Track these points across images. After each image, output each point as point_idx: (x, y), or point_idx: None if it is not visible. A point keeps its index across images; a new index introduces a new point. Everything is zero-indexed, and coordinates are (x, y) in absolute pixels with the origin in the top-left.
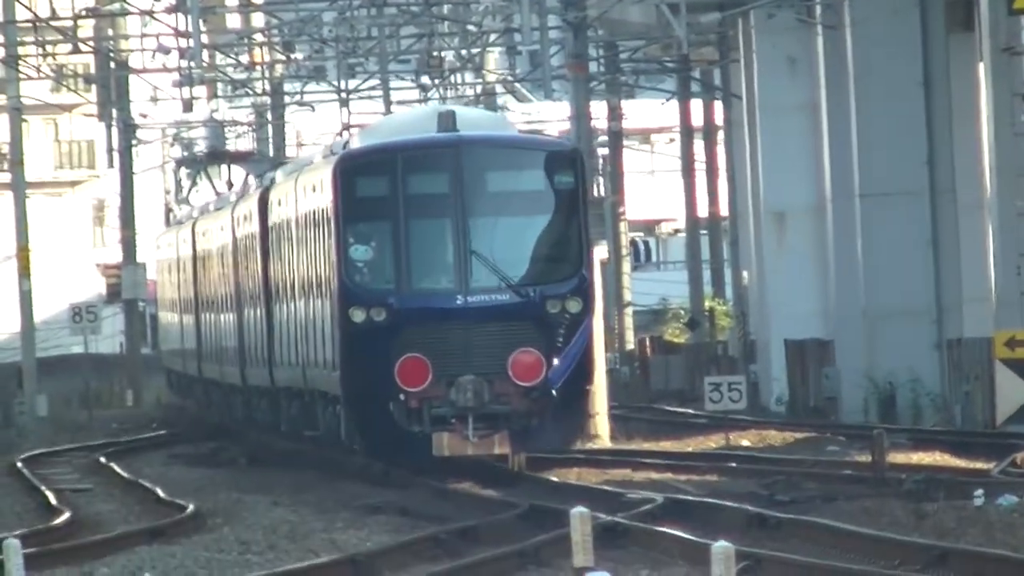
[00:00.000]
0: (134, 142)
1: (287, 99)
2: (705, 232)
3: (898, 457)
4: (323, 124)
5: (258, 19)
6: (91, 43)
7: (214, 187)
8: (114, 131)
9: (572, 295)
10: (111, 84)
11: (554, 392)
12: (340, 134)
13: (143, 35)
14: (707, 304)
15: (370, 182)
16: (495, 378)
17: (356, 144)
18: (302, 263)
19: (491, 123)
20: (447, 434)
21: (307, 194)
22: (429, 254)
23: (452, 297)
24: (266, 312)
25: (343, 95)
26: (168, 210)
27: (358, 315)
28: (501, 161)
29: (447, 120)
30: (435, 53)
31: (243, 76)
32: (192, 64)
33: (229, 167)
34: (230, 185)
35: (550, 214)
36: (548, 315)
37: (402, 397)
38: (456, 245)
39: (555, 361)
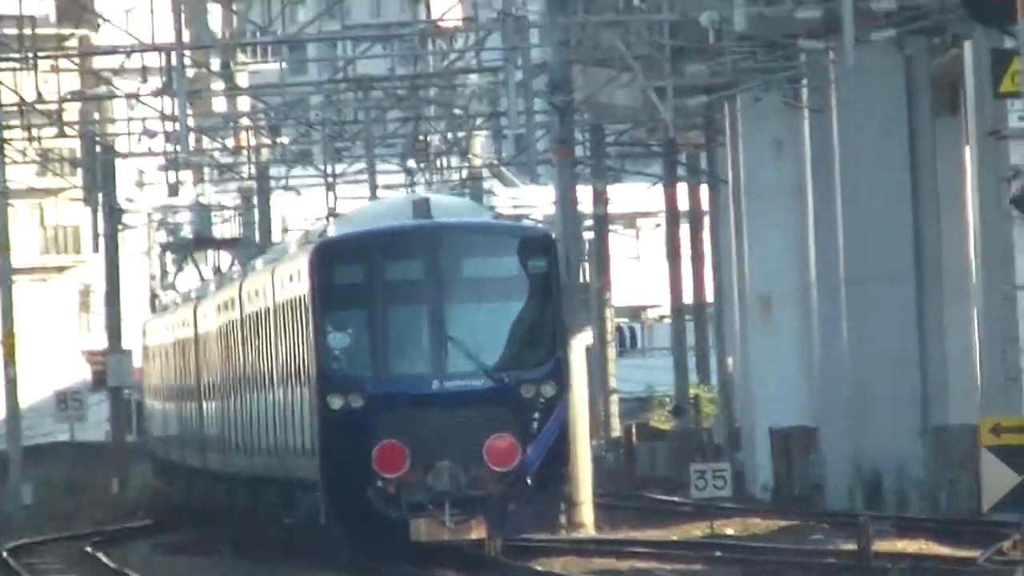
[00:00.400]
0: (120, 227)
1: (273, 183)
2: (690, 318)
3: (883, 545)
4: (309, 208)
5: (244, 103)
6: (77, 127)
7: (200, 273)
8: (100, 215)
9: (546, 379)
10: (97, 168)
11: (529, 477)
12: (315, 222)
13: (129, 119)
14: (692, 391)
15: (347, 270)
16: (471, 463)
17: (332, 232)
18: (280, 351)
19: (465, 209)
20: (424, 520)
21: (284, 282)
22: (406, 340)
23: (428, 383)
24: (245, 399)
25: (329, 179)
26: (153, 296)
27: (336, 401)
28: (475, 247)
29: (422, 207)
30: (421, 137)
31: (229, 160)
32: (178, 148)
33: (217, 252)
34: (217, 270)
35: (524, 299)
36: (523, 400)
37: (380, 483)
38: (432, 331)
39: (530, 445)
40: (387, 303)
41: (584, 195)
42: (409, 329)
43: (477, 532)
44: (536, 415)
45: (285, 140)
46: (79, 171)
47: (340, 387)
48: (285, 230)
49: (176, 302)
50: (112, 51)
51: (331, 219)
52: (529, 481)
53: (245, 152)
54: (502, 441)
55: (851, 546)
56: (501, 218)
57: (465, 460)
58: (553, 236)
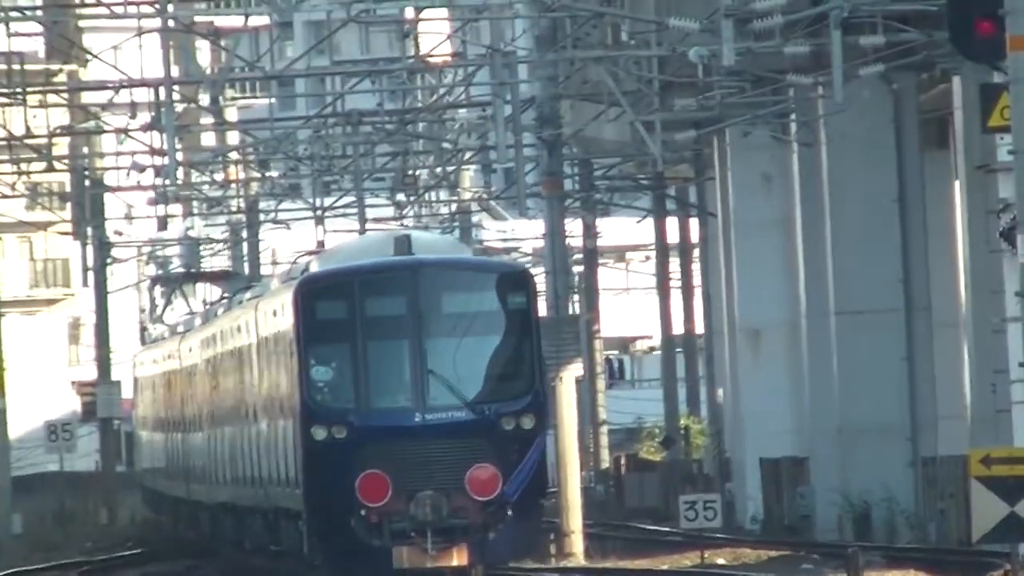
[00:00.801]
0: (109, 260)
1: (262, 216)
2: (680, 350)
3: (873, 575)
4: (298, 241)
5: (233, 137)
6: (66, 161)
7: (189, 306)
8: (89, 249)
9: (526, 412)
10: (86, 202)
11: (509, 507)
12: (295, 261)
13: (118, 153)
14: (682, 422)
15: (329, 305)
16: (453, 493)
17: (315, 268)
18: (265, 383)
19: (446, 246)
20: (407, 548)
21: (269, 317)
22: (387, 374)
23: (410, 415)
24: (231, 431)
25: (318, 212)
26: (143, 328)
27: (319, 433)
28: (455, 283)
29: (403, 244)
30: (410, 171)
31: (218, 194)
32: (167, 182)
33: (207, 286)
34: (206, 304)
35: (503, 334)
36: (503, 431)
37: (363, 512)
38: (413, 365)
39: (511, 476)
40: (369, 337)
41: (573, 228)
42: (391, 362)
43: (459, 559)
44: (516, 446)
45: (274, 174)
46: (68, 205)
47: (324, 419)
48: (274, 263)
49: (164, 335)
50: (101, 86)
51: (314, 256)
52: (510, 511)
53: (234, 186)
54: (483, 471)
55: None
56: (490, 253)
57: (447, 490)
58: (531, 273)
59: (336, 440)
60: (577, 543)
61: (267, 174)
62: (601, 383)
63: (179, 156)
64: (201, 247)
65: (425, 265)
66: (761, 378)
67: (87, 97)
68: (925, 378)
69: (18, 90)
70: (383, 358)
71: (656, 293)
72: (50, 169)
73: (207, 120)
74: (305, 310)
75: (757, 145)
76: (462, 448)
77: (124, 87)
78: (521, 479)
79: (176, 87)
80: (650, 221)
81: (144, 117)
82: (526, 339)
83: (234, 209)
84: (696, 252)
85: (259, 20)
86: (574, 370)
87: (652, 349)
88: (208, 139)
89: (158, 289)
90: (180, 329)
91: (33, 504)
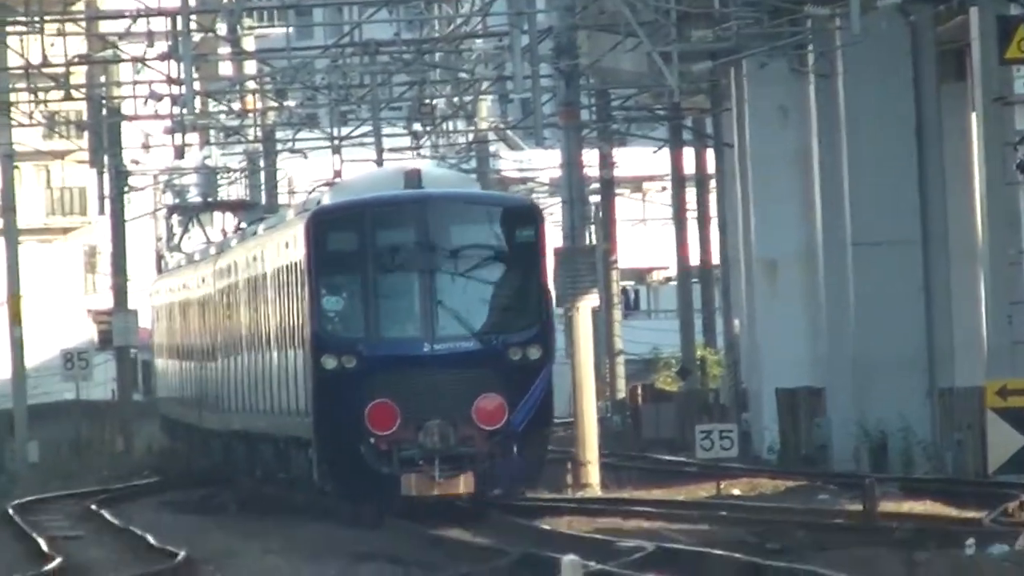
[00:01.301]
0: (126, 189)
1: (279, 146)
2: (696, 280)
3: (889, 506)
4: (315, 171)
5: (250, 67)
6: (83, 90)
7: (206, 235)
8: (106, 178)
9: (532, 343)
10: (103, 131)
11: (515, 436)
12: (311, 191)
13: (135, 82)
14: (698, 352)
15: (341, 236)
16: (460, 422)
17: (327, 201)
18: (277, 314)
19: (456, 181)
20: (415, 475)
21: (282, 248)
22: (397, 304)
23: (419, 345)
24: (246, 360)
25: (335, 142)
26: (160, 257)
27: (330, 362)
28: (464, 216)
29: (413, 177)
30: (427, 101)
31: (235, 123)
32: (184, 111)
33: (224, 215)
34: (225, 233)
35: (511, 266)
36: (510, 362)
37: (372, 440)
38: (422, 296)
39: (517, 405)
40: (379, 269)
41: (590, 159)
42: (400, 294)
43: (466, 487)
44: (523, 377)
45: (291, 103)
46: (85, 134)
47: (334, 348)
48: (291, 192)
49: (181, 264)
50: (118, 15)
51: (326, 188)
52: (517, 437)
53: (251, 115)
54: (490, 401)
55: (857, 507)
56: (506, 184)
57: (454, 419)
58: (540, 207)
59: (346, 369)
60: (593, 473)
61: (284, 103)
62: (617, 313)
63: (196, 85)
64: (218, 176)
65: (434, 198)
66: (777, 309)
67: (104, 26)
68: (942, 309)
69: (36, 19)
70: (392, 289)
71: (672, 224)
72: (67, 98)
73: (224, 49)
74: (316, 241)
75: (774, 76)
76: (469, 378)
77: (141, 16)
78: (527, 409)
79: (193, 16)
80: (666, 152)
81: (161, 46)
82: (533, 272)
83: (251, 138)
84: (712, 183)
85: None
86: (590, 300)
87: (668, 280)
88: (225, 68)
89: (175, 218)
90: (196, 258)
91: (49, 433)
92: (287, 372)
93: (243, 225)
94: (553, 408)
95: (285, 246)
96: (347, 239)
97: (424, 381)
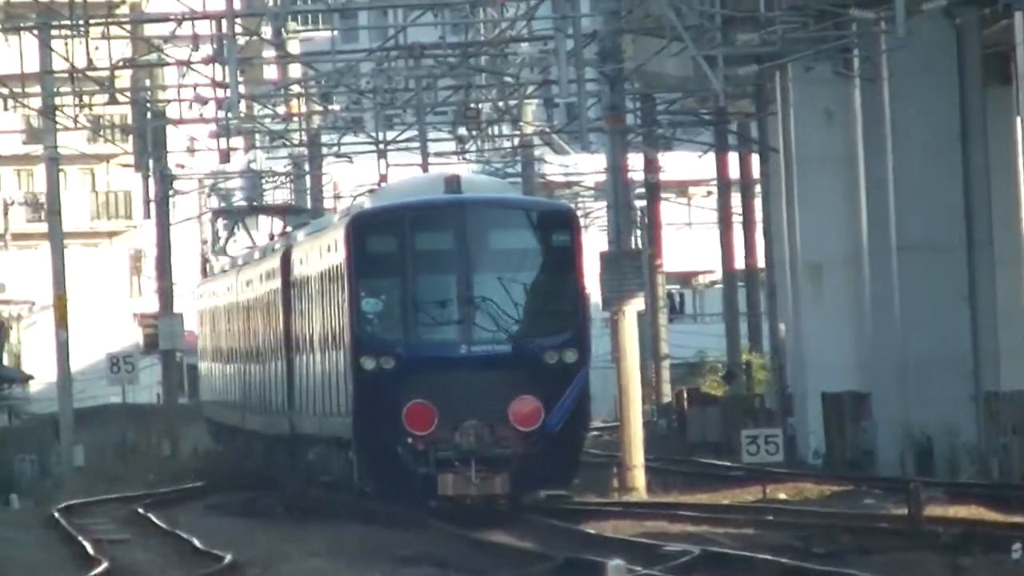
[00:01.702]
0: (171, 192)
1: (324, 150)
2: (742, 284)
3: (935, 510)
4: (361, 175)
5: (295, 70)
6: (128, 93)
7: (252, 238)
8: (151, 181)
9: (568, 346)
10: (148, 134)
11: (550, 438)
12: (356, 197)
13: (180, 85)
14: (744, 356)
15: (380, 240)
16: (496, 423)
17: (367, 205)
18: (319, 317)
19: (494, 186)
20: (451, 475)
21: (323, 252)
22: (435, 307)
23: (456, 347)
24: (282, 363)
25: (380, 146)
26: (205, 261)
27: (369, 363)
28: (502, 221)
29: (452, 183)
30: (472, 105)
31: (280, 127)
32: (229, 115)
33: (272, 220)
34: (272, 237)
35: (547, 271)
36: (546, 365)
37: (409, 441)
38: (460, 299)
39: (553, 408)
40: (418, 272)
41: (635, 163)
42: (438, 296)
43: (501, 487)
44: (558, 380)
45: (336, 107)
46: (130, 137)
47: (373, 350)
48: (336, 197)
49: (226, 268)
50: (163, 18)
51: (367, 193)
52: (552, 440)
53: (296, 119)
54: (526, 403)
55: (902, 511)
56: (551, 188)
57: (490, 420)
58: (576, 212)
59: (384, 370)
60: (639, 477)
61: (329, 107)
62: (663, 317)
63: (241, 89)
64: (263, 180)
65: (472, 203)
66: (823, 313)
67: (149, 29)
68: (986, 313)
69: (81, 22)
70: (430, 292)
71: (717, 228)
72: (112, 101)
73: (269, 53)
74: (357, 244)
75: (819, 80)
76: (505, 380)
77: (186, 19)
78: (563, 411)
79: (238, 19)
80: (711, 156)
81: (206, 50)
82: (569, 276)
83: (296, 142)
84: (757, 187)
85: None
86: (636, 304)
87: (714, 284)
88: (270, 72)
89: (220, 222)
90: (241, 262)
91: (95, 436)
92: (328, 374)
93: (287, 229)
94: (589, 411)
95: (327, 250)
96: (386, 242)
97: (461, 382)
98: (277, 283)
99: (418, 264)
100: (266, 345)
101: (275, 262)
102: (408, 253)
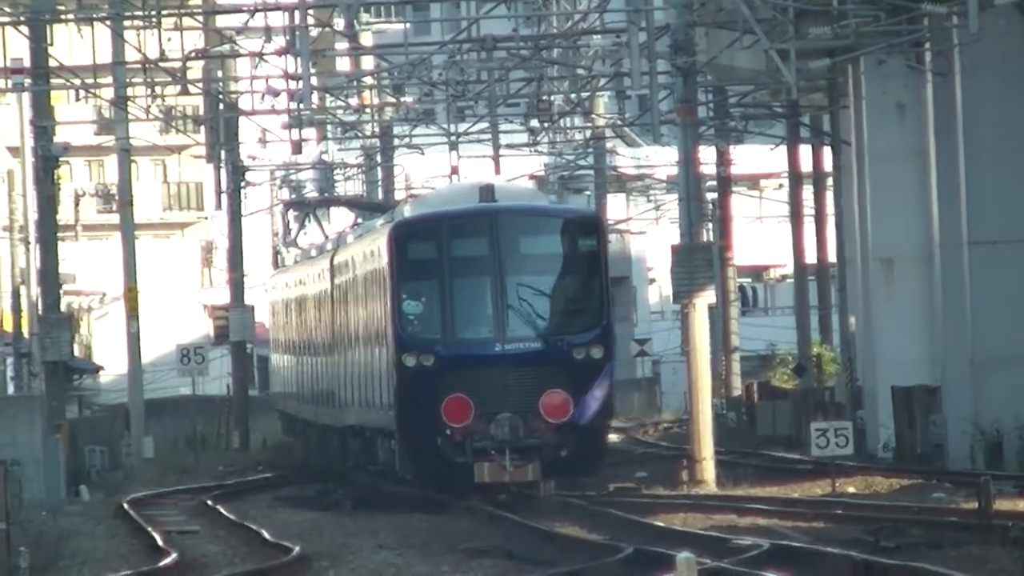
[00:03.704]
0: (242, 184)
1: (396, 142)
2: (813, 278)
3: (1005, 505)
4: (432, 167)
5: (368, 62)
6: (200, 85)
7: (323, 230)
8: (223, 173)
9: (595, 343)
10: (220, 126)
11: (579, 429)
12: (399, 204)
13: (253, 77)
14: (814, 350)
15: (420, 246)
16: (528, 415)
17: (408, 213)
18: (364, 316)
19: (526, 195)
20: (487, 464)
21: (367, 256)
22: (471, 308)
23: (491, 345)
24: (335, 359)
25: (452, 138)
26: (276, 252)
27: (410, 360)
28: (532, 227)
29: (487, 192)
30: (544, 97)
31: (353, 119)
32: (302, 106)
33: (341, 211)
34: (344, 232)
35: (575, 273)
36: (574, 361)
37: (448, 432)
38: (494, 300)
39: (581, 401)
40: (455, 275)
41: (707, 156)
42: (474, 298)
43: (533, 475)
44: (586, 374)
45: (408, 99)
46: (202, 128)
47: (414, 348)
48: (408, 188)
49: (298, 259)
50: (236, 10)
51: (408, 201)
52: (580, 431)
53: (368, 111)
54: (556, 396)
55: (972, 505)
56: (624, 179)
57: (523, 413)
58: (602, 217)
59: (424, 367)
60: (708, 470)
61: (401, 99)
62: (734, 310)
63: (314, 81)
64: (335, 172)
65: (505, 211)
66: (893, 307)
67: (222, 20)
68: None
69: (153, 13)
70: (467, 294)
71: (789, 221)
72: (184, 92)
73: (342, 45)
74: (399, 250)
75: (891, 74)
76: (537, 375)
77: (259, 11)
78: (590, 404)
79: (311, 11)
80: (783, 149)
81: (279, 41)
82: (595, 277)
83: (368, 134)
84: (829, 180)
85: None
86: (707, 297)
87: (785, 277)
88: (343, 64)
89: (291, 213)
90: (313, 254)
91: (165, 428)
92: (373, 370)
93: (359, 221)
94: (613, 403)
95: (371, 254)
96: (425, 248)
97: (495, 378)
98: (327, 283)
99: (455, 269)
100: (322, 340)
101: (325, 263)
102: (445, 258)
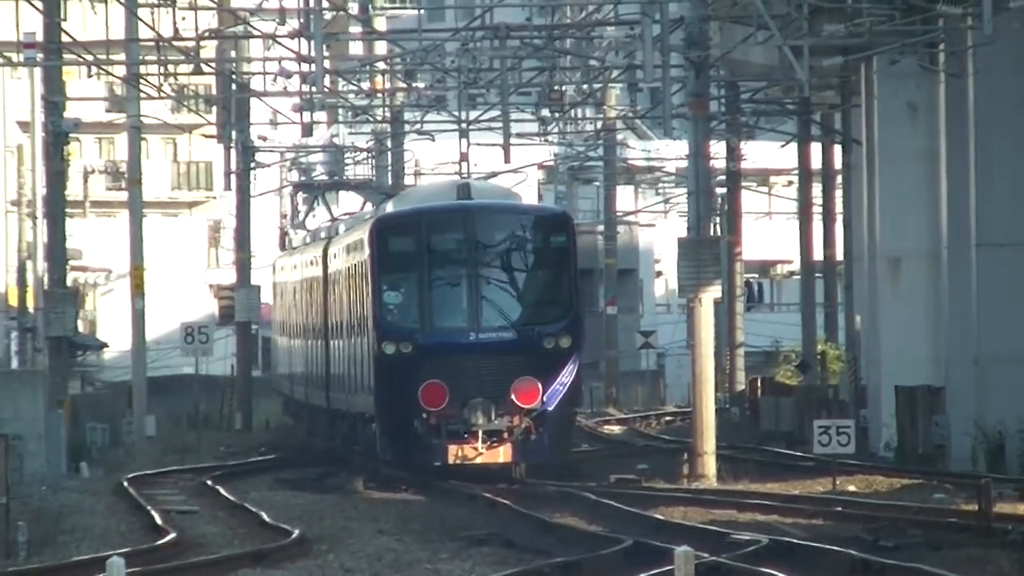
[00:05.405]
0: (252, 165)
1: (407, 127)
2: (820, 275)
3: (1005, 507)
4: (442, 153)
5: (381, 47)
6: (213, 64)
7: (331, 213)
8: (232, 153)
9: (564, 333)
10: (231, 106)
11: (547, 414)
12: (382, 202)
13: (265, 58)
14: (819, 347)
15: (400, 240)
16: (500, 401)
17: (390, 209)
18: (348, 305)
19: (500, 194)
20: (460, 445)
21: (352, 249)
22: (447, 299)
23: (466, 334)
24: (327, 343)
25: (463, 125)
26: (283, 234)
27: (389, 348)
28: (505, 224)
29: (463, 191)
30: (556, 87)
31: (364, 103)
32: (313, 89)
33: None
34: (370, 205)
35: (546, 267)
36: (544, 350)
37: (424, 415)
38: (469, 292)
39: (550, 387)
40: (432, 268)
41: (717, 150)
42: (450, 290)
43: (504, 457)
44: (555, 363)
45: (420, 85)
46: (213, 108)
47: (393, 336)
48: (417, 174)
49: (306, 241)
50: None
51: (389, 198)
52: (549, 415)
53: (380, 96)
54: (526, 383)
55: (972, 507)
56: (633, 171)
57: (495, 398)
58: (571, 215)
59: (403, 354)
60: (710, 464)
61: (413, 85)
62: (740, 306)
63: (326, 64)
64: (345, 155)
65: (480, 208)
66: (899, 306)
67: (236, 1)
68: None
69: None
70: (443, 286)
71: (797, 218)
72: (197, 72)
73: (355, 29)
74: (380, 244)
75: (904, 74)
76: (509, 363)
77: None
78: (559, 391)
79: None
80: (794, 146)
81: (292, 23)
82: (565, 271)
83: (379, 119)
84: (839, 179)
85: None
86: (713, 292)
87: (792, 274)
88: (355, 48)
89: (300, 196)
90: (323, 235)
91: (167, 406)
92: (355, 356)
93: (368, 205)
94: (581, 390)
95: (355, 247)
96: (405, 242)
97: (470, 365)
98: (321, 270)
99: (432, 262)
100: (316, 325)
101: (320, 250)
102: (424, 252)
